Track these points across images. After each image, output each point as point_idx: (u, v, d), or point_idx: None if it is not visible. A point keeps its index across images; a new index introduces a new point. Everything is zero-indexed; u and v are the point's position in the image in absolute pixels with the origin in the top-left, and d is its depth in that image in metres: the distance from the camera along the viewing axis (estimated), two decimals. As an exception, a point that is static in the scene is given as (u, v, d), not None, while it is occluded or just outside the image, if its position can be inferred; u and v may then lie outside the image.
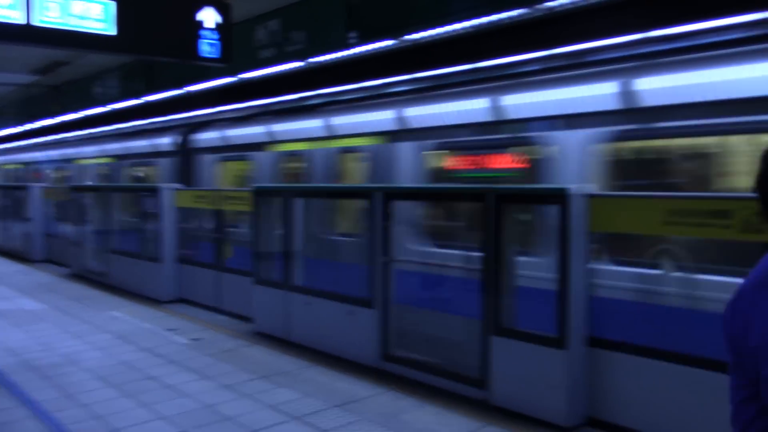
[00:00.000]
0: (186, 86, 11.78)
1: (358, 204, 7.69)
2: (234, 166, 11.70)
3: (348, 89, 9.36)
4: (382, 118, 8.39)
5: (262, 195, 8.16)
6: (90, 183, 15.36)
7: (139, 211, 11.47)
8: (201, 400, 5.64)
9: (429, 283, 7.07)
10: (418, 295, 6.99)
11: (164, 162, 13.56)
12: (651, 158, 6.04)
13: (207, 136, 12.25)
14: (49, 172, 20.34)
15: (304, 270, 7.75)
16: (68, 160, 19.06)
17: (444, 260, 6.74)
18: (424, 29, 7.31)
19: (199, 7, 6.40)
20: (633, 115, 5.79)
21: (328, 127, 9.30)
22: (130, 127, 15.76)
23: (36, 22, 5.61)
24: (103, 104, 14.97)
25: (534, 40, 6.60)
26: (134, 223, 11.60)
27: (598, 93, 6.09)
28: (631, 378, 4.91)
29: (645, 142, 5.95)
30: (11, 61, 14.47)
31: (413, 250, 7.29)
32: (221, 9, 6.51)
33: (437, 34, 7.32)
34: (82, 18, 5.84)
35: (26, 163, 23.01)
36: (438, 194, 6.86)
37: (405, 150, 7.93)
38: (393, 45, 7.94)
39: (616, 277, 5.52)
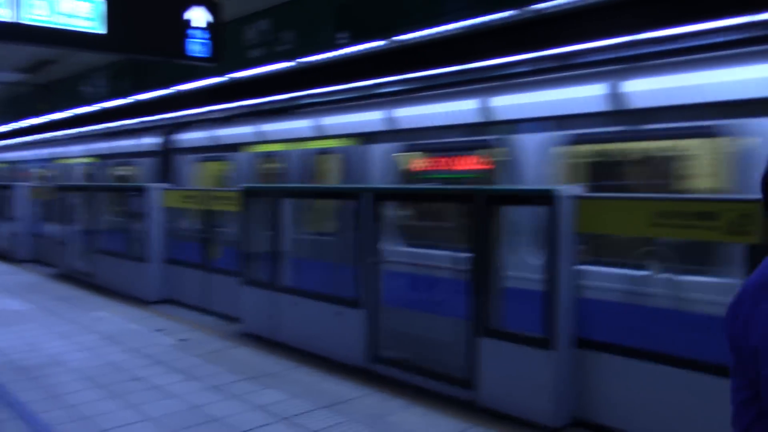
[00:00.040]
0: (175, 86, 11.73)
1: (341, 204, 7.96)
2: (213, 167, 11.95)
3: (338, 89, 9.37)
4: (355, 120, 8.69)
5: (250, 195, 8.14)
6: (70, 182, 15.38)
7: (126, 211, 11.42)
8: (188, 401, 5.61)
9: (417, 284, 7.08)
10: (406, 296, 7.00)
11: (146, 162, 13.78)
12: (607, 161, 6.27)
13: (187, 137, 12.50)
14: (33, 171, 20.29)
15: (293, 270, 7.74)
16: (52, 160, 19.02)
17: (413, 259, 6.80)
18: (414, 30, 7.32)
19: (189, 6, 6.38)
20: (590, 120, 6.07)
21: (304, 128, 9.58)
22: (113, 127, 15.81)
23: (24, 19, 5.58)
24: (92, 103, 14.88)
25: (523, 41, 6.62)
26: (121, 223, 11.55)
27: (556, 98, 6.39)
28: (618, 379, 4.93)
29: (602, 145, 6.22)
30: (-1, 59, 14.37)
31: (384, 249, 7.36)
32: (211, 8, 6.49)
33: (427, 35, 7.34)
34: (70, 16, 5.81)
35: (10, 162, 22.89)
36: (426, 195, 6.86)
37: (377, 152, 8.23)
38: (383, 45, 7.94)
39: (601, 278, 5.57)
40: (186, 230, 10.63)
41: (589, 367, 5.07)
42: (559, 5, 6.08)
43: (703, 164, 5.53)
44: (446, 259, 6.35)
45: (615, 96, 5.95)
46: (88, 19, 5.88)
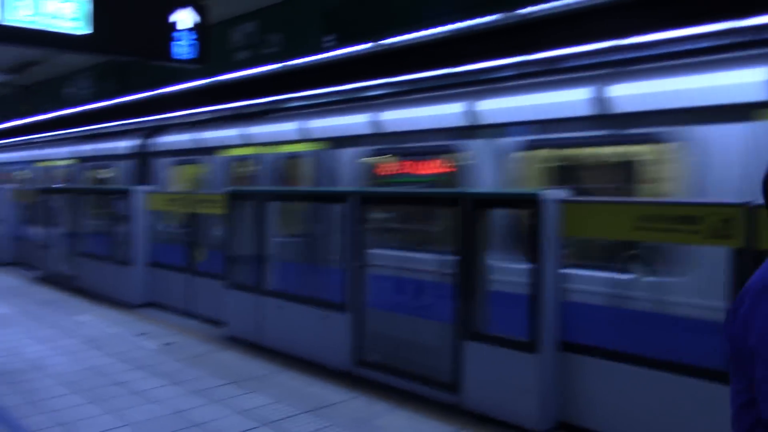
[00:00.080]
0: (160, 88, 11.67)
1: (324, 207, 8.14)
2: (189, 170, 12.08)
3: (323, 92, 9.38)
4: (325, 125, 8.90)
5: (235, 198, 8.10)
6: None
7: (109, 214, 11.33)
8: (171, 406, 5.56)
9: (402, 287, 7.07)
10: (392, 300, 6.99)
11: (123, 165, 13.91)
12: (561, 165, 6.47)
13: (163, 140, 12.63)
14: (13, 173, 20.25)
15: (278, 273, 7.72)
16: (31, 162, 19.01)
17: (377, 260, 6.86)
18: (401, 33, 7.33)
19: (175, 8, 6.34)
20: (543, 126, 6.34)
21: (276, 133, 9.79)
22: (94, 129, 15.84)
23: (8, 20, 5.51)
24: (76, 105, 14.77)
25: (509, 46, 6.66)
26: (104, 226, 11.45)
27: (512, 105, 6.68)
28: (602, 382, 4.95)
29: (556, 150, 6.44)
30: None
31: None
32: (198, 10, 6.45)
33: (414, 39, 7.35)
34: (55, 17, 5.75)
35: None
36: (412, 199, 6.86)
37: (345, 156, 8.44)
38: (370, 48, 7.94)
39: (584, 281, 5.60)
40: (170, 233, 10.58)
41: (574, 370, 5.08)
42: (544, 10, 6.12)
43: (651, 169, 5.72)
44: (423, 262, 6.49)
45: (568, 104, 6.21)
46: (72, 19, 5.82)
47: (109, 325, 8.60)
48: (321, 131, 8.93)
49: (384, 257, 6.94)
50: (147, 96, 12.41)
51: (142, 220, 10.24)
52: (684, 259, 5.16)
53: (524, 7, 6.22)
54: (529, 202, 5.11)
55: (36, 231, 13.48)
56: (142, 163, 12.94)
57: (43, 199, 13.10)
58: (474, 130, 6.92)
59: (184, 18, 6.36)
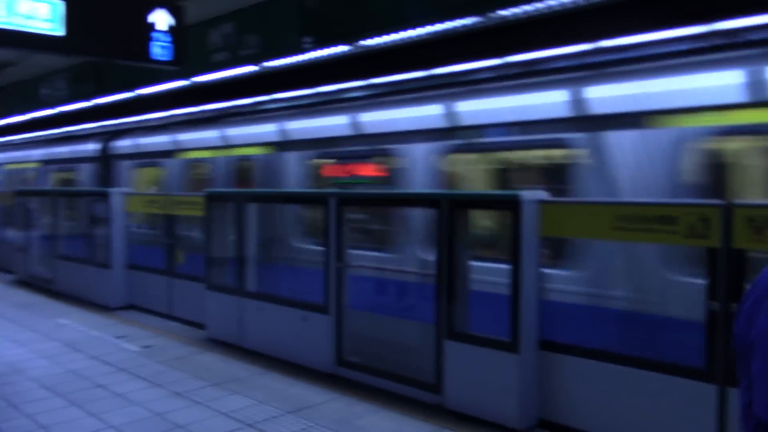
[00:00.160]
0: (137, 89, 11.57)
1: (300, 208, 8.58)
2: (148, 172, 12.38)
3: (302, 95, 9.40)
4: (272, 130, 9.34)
5: (214, 200, 8.07)
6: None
7: (87, 216, 11.21)
8: (151, 409, 5.54)
9: (383, 288, 7.10)
10: (374, 301, 7.01)
11: (86, 167, 14.22)
12: (479, 168, 6.98)
13: (124, 144, 12.97)
14: None
15: (258, 275, 7.71)
16: None
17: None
18: (379, 35, 7.34)
19: (151, 9, 6.30)
20: (465, 132, 6.80)
21: (226, 137, 10.26)
22: (57, 133, 16.08)
23: (-20, 21, 5.44)
24: (52, 106, 14.59)
25: (487, 48, 6.71)
26: (82, 229, 11.34)
27: (438, 113, 7.12)
28: (581, 380, 5.01)
29: (475, 154, 6.94)
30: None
31: (296, 247, 8.31)
32: (174, 11, 6.41)
33: (392, 41, 7.37)
34: (28, 18, 5.69)
35: None
36: (391, 200, 6.89)
37: (291, 159, 8.84)
38: (348, 50, 7.95)
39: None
40: (149, 235, 10.54)
41: (554, 368, 5.15)
42: (523, 12, 6.18)
43: (554, 172, 6.23)
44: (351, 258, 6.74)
45: (485, 112, 6.76)
46: (46, 20, 5.76)
47: (88, 328, 8.53)
48: (268, 136, 9.35)
49: (300, 250, 7.18)
50: (125, 97, 12.30)
51: (120, 223, 10.17)
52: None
53: (501, 9, 6.29)
54: (508, 203, 5.16)
55: (12, 234, 13.31)
56: (105, 165, 13.25)
57: (20, 201, 12.94)
58: (410, 135, 7.33)
59: (161, 19, 6.32)
